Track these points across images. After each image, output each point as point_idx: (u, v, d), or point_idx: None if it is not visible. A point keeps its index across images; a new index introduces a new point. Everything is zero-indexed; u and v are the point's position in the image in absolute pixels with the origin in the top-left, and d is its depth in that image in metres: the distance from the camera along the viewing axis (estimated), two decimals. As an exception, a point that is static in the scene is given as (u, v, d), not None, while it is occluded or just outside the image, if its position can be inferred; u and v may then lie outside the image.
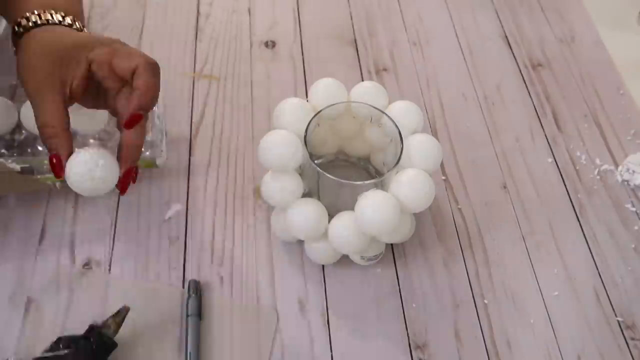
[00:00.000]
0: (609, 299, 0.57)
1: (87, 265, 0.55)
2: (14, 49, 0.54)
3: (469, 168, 0.65)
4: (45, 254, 0.55)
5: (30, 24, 0.52)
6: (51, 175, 0.55)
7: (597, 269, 0.59)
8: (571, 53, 0.77)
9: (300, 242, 0.58)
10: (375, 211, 0.49)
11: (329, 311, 0.54)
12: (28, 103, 0.57)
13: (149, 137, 0.59)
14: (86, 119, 0.56)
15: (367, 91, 0.57)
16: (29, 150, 0.59)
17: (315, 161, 0.56)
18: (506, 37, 0.79)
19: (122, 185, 0.48)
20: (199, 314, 0.52)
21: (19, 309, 0.52)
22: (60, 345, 0.46)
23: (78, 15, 0.56)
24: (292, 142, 0.52)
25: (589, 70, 0.75)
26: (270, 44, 0.75)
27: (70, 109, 0.49)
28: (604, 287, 0.57)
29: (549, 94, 0.73)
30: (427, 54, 0.76)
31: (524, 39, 0.78)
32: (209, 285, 0.55)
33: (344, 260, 0.57)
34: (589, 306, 0.56)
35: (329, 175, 0.51)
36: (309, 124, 0.53)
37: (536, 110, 0.71)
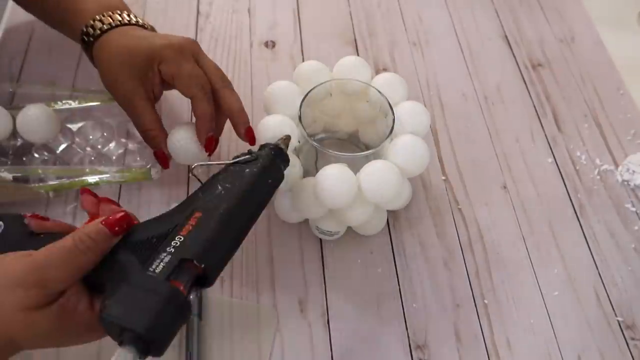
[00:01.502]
0: (609, 299, 0.57)
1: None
2: (88, 57, 0.59)
3: (469, 168, 0.65)
4: (45, 254, 0.55)
5: (98, 31, 0.56)
6: (45, 184, 0.56)
7: (597, 269, 0.59)
8: (571, 53, 0.77)
9: (299, 242, 0.58)
10: (379, 179, 0.51)
11: (329, 311, 0.54)
12: (24, 111, 0.57)
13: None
14: (39, 131, 0.58)
15: (350, 66, 0.58)
16: (23, 158, 0.60)
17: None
18: (506, 37, 0.78)
19: (208, 149, 0.54)
20: (199, 314, 0.52)
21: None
22: (238, 155, 0.48)
23: (128, 7, 0.60)
24: (287, 124, 0.53)
25: (589, 70, 0.75)
26: (270, 44, 0.75)
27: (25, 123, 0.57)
28: (604, 287, 0.57)
29: (549, 94, 0.73)
30: (427, 54, 0.76)
31: (524, 39, 0.78)
32: (209, 285, 0.55)
33: (344, 260, 0.57)
34: (589, 306, 0.56)
35: (331, 151, 0.52)
36: (301, 104, 0.54)
37: (536, 110, 0.71)
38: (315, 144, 0.53)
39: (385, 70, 0.73)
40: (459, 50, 0.76)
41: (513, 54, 0.77)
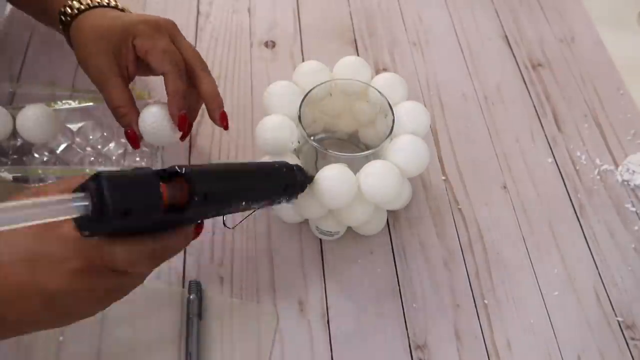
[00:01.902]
0: (609, 299, 0.57)
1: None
2: (66, 38, 0.58)
3: (469, 168, 0.65)
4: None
5: (75, 10, 0.55)
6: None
7: (597, 269, 0.59)
8: (571, 53, 0.77)
9: (299, 242, 0.58)
10: (379, 179, 0.51)
11: (329, 311, 0.54)
12: (24, 111, 0.57)
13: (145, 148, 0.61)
14: (39, 132, 0.58)
15: (350, 66, 0.58)
16: (24, 158, 0.59)
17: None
18: (506, 37, 0.78)
19: (181, 128, 0.54)
20: (199, 314, 0.52)
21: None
22: (276, 165, 0.48)
23: None
24: (287, 124, 0.53)
25: (589, 70, 0.75)
26: (270, 44, 0.75)
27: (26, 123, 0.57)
28: (604, 287, 0.57)
29: (549, 94, 0.73)
30: (427, 54, 0.76)
31: (524, 39, 0.78)
32: (209, 285, 0.55)
33: (344, 260, 0.57)
34: (589, 306, 0.56)
35: (331, 152, 0.52)
36: (301, 104, 0.54)
37: (536, 110, 0.71)
38: (315, 144, 0.53)
39: (385, 70, 0.73)
40: (459, 50, 0.76)
41: (513, 54, 0.77)
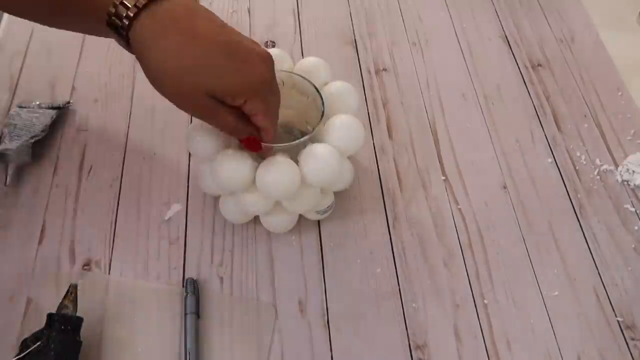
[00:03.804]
0: (609, 299, 0.57)
1: (87, 265, 0.55)
2: (123, 43, 0.46)
3: (469, 168, 0.65)
4: (45, 254, 0.55)
5: (131, 13, 0.42)
6: None
7: (597, 269, 0.59)
8: (571, 53, 0.77)
9: (299, 242, 0.58)
10: (318, 162, 0.51)
11: (329, 311, 0.54)
12: None
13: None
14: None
15: (311, 66, 0.58)
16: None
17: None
18: (506, 37, 0.78)
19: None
20: (197, 312, 0.52)
21: (19, 309, 0.52)
22: (29, 344, 0.46)
23: None
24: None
25: (589, 70, 0.75)
26: (270, 44, 0.75)
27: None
28: (604, 287, 0.57)
29: (548, 94, 0.73)
30: (427, 54, 0.76)
31: (524, 39, 0.78)
32: (209, 285, 0.55)
33: (344, 260, 0.57)
34: (589, 306, 0.56)
35: (265, 144, 0.51)
36: None
37: (536, 110, 0.71)
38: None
39: (385, 70, 0.73)
40: (459, 50, 0.76)
41: (513, 54, 0.77)
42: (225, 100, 0.46)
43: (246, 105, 0.46)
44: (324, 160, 0.52)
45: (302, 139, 0.53)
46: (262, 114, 0.47)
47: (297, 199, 0.53)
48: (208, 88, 0.44)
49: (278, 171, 0.50)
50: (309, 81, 0.55)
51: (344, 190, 0.61)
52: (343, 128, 0.54)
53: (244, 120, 0.48)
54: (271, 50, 0.56)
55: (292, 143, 0.53)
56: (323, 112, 0.54)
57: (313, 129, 0.53)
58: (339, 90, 0.56)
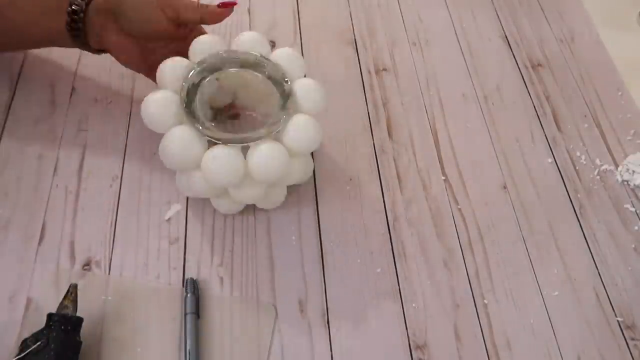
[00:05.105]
0: (609, 299, 0.57)
1: (87, 265, 0.55)
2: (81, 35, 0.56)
3: (469, 168, 0.65)
4: (45, 254, 0.55)
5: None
6: None
7: (597, 269, 0.59)
8: (571, 53, 0.77)
9: (299, 242, 0.58)
10: (264, 160, 0.52)
11: (329, 311, 0.54)
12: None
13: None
14: None
15: (249, 41, 0.58)
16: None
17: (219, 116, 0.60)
18: (506, 37, 0.78)
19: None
20: (197, 311, 0.52)
21: (19, 309, 0.52)
22: (29, 344, 0.46)
23: None
24: (172, 100, 0.53)
25: (589, 70, 0.75)
26: (270, 44, 0.75)
27: None
28: (604, 287, 0.58)
29: (548, 94, 0.73)
30: (427, 54, 0.76)
31: (524, 39, 0.78)
32: (209, 285, 0.55)
33: (344, 260, 0.57)
34: (589, 306, 0.56)
35: (209, 137, 0.52)
36: (187, 81, 0.54)
37: (536, 110, 0.71)
38: (200, 126, 0.52)
39: (385, 70, 0.73)
40: (459, 50, 0.76)
41: (513, 54, 0.77)
42: None
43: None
44: (270, 157, 0.52)
45: (255, 133, 0.53)
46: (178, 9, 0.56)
47: (241, 189, 0.54)
48: None
49: (222, 160, 0.51)
50: (279, 70, 0.56)
51: (339, 189, 0.61)
52: (299, 128, 0.54)
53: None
54: (247, 33, 0.59)
55: (245, 135, 0.53)
56: (283, 107, 0.54)
57: (271, 124, 0.54)
58: (306, 87, 0.56)
